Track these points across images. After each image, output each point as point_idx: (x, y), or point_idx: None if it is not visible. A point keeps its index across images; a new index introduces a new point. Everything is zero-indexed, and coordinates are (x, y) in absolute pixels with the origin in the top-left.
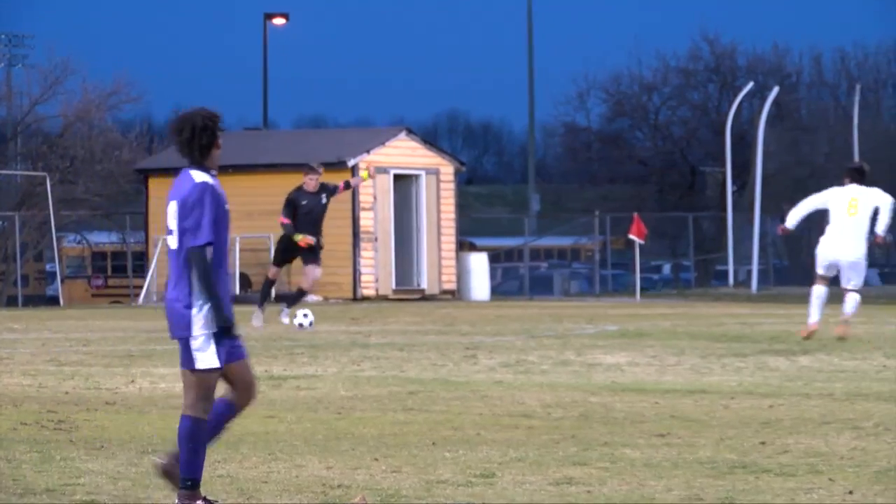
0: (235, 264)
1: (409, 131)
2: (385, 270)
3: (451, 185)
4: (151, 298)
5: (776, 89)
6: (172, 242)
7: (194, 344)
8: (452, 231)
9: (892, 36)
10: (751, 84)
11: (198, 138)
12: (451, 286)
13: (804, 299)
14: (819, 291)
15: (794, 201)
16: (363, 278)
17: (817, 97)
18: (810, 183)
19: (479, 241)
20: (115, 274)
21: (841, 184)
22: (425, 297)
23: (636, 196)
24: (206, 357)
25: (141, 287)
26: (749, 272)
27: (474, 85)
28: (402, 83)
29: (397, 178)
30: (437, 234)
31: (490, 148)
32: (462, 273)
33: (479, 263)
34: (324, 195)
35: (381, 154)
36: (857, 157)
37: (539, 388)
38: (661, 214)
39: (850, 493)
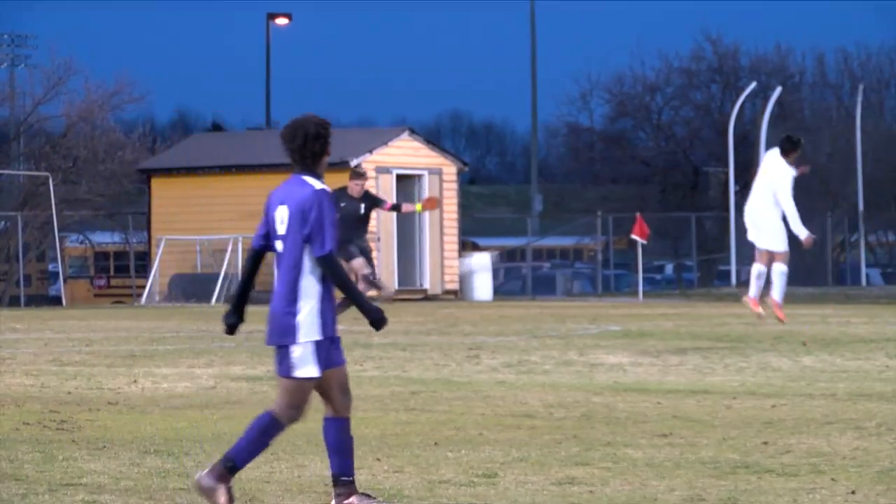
0: (238, 264)
1: (412, 131)
2: (387, 270)
3: (454, 185)
4: (154, 298)
5: (779, 89)
6: (280, 247)
7: (295, 352)
8: (455, 231)
9: (894, 36)
10: (753, 84)
11: (310, 145)
12: (454, 286)
13: (807, 299)
14: (755, 269)
15: (795, 201)
16: None
17: (820, 97)
18: (813, 183)
19: (481, 241)
20: (118, 274)
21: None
22: (428, 298)
23: (639, 196)
24: (306, 366)
25: (143, 287)
26: (748, 272)
27: (477, 85)
28: (404, 83)
29: (400, 178)
30: (440, 234)
31: (493, 148)
32: (464, 273)
33: (481, 263)
34: (363, 204)
35: (384, 154)
36: (859, 158)
37: (541, 388)
38: (664, 214)
39: (853, 493)
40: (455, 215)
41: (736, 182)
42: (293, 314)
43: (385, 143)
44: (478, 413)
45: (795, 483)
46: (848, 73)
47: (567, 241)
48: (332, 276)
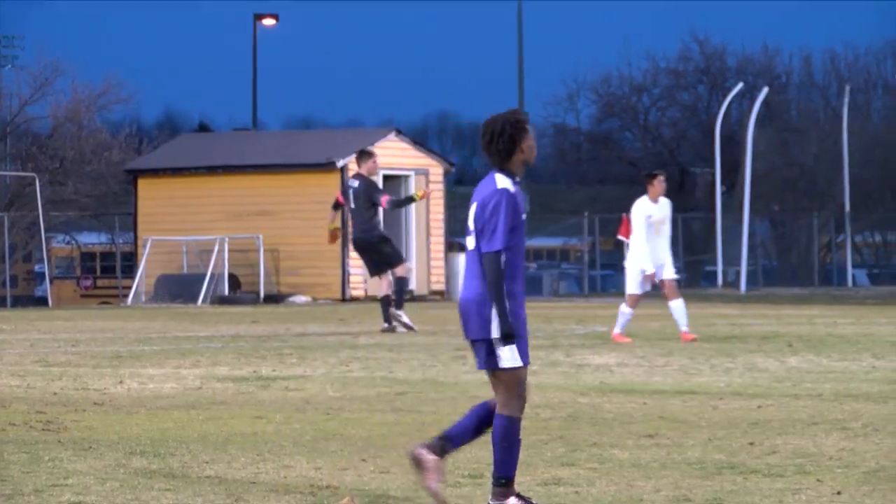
0: (224, 265)
1: (399, 132)
2: None
3: (441, 186)
4: (140, 299)
5: (766, 90)
6: (470, 243)
7: (497, 345)
8: (441, 232)
9: (881, 37)
10: (740, 85)
11: (496, 143)
12: (440, 287)
13: (793, 300)
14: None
15: (783, 202)
16: (352, 279)
17: (807, 98)
18: (800, 184)
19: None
20: (104, 274)
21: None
22: (414, 298)
23: (625, 197)
24: (510, 356)
25: (129, 288)
26: (738, 273)
27: (464, 86)
28: (391, 84)
29: (387, 178)
30: (427, 234)
31: (480, 149)
32: (451, 274)
33: None
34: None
35: None
36: (846, 159)
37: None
38: None
39: (838, 493)
40: (441, 216)
41: (722, 183)
42: (488, 309)
43: (372, 144)
44: (464, 414)
45: (781, 484)
46: (835, 73)
47: (554, 242)
48: (490, 274)
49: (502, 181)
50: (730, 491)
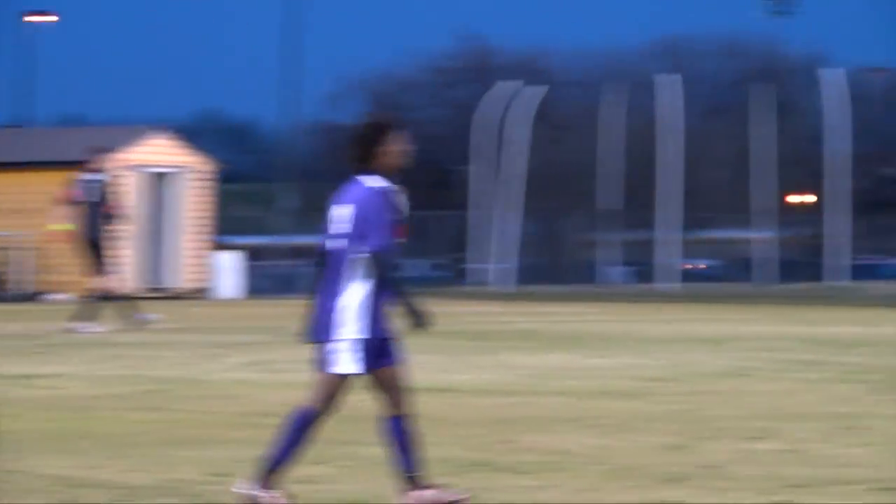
0: None
1: (167, 129)
2: (136, 268)
3: (207, 184)
4: None
5: (535, 88)
6: (332, 245)
7: (334, 348)
8: (207, 229)
9: (650, 36)
10: (511, 82)
11: (352, 147)
12: (203, 284)
13: (555, 297)
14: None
15: (551, 199)
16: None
17: (577, 96)
18: (565, 181)
19: (234, 240)
20: None
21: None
22: (176, 296)
23: None
24: (345, 362)
25: None
26: (502, 271)
27: (233, 84)
28: (162, 82)
29: (153, 176)
30: (192, 232)
31: (248, 146)
32: (214, 271)
33: (231, 262)
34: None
35: (139, 152)
36: (609, 157)
37: (284, 387)
38: (416, 213)
39: (586, 490)
40: (207, 213)
41: (491, 180)
42: (333, 312)
43: (140, 141)
44: (218, 412)
45: (530, 480)
46: (605, 72)
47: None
48: (380, 272)
49: (373, 181)
50: (478, 488)
